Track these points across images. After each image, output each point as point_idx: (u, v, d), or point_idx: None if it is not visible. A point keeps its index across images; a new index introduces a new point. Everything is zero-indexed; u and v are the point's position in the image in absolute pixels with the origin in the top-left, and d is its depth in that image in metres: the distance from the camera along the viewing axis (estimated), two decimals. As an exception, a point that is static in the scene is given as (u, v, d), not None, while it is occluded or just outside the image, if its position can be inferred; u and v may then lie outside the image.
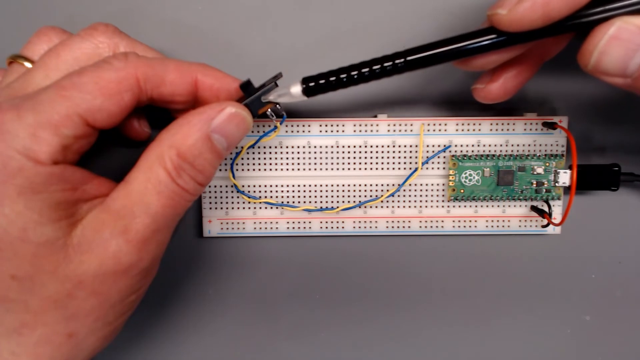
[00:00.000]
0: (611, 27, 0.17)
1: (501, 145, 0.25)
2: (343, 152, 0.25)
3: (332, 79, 0.19)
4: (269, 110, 0.21)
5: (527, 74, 0.21)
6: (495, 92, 0.21)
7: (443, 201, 0.25)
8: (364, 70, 0.19)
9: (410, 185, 0.25)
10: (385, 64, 0.19)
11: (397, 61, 0.19)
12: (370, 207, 0.25)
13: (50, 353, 0.18)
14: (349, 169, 0.25)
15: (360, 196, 0.25)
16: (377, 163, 0.25)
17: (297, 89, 0.20)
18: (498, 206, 0.25)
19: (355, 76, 0.19)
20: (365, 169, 0.25)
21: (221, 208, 0.25)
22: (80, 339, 0.18)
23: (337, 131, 0.25)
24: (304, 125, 0.24)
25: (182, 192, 0.18)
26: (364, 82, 0.19)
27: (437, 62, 0.19)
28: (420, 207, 0.25)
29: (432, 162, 0.25)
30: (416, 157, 0.25)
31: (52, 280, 0.17)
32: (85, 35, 0.20)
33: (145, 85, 0.19)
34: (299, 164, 0.25)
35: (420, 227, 0.26)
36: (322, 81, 0.20)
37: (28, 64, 0.20)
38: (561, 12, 0.17)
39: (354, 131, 0.25)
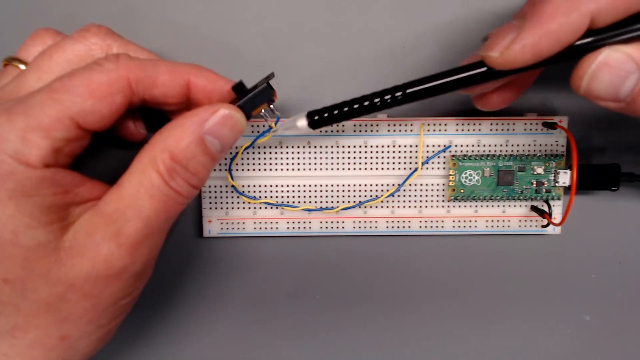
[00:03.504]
0: (600, 55, 0.17)
1: (501, 145, 0.25)
2: (343, 152, 0.25)
3: (335, 112, 0.21)
4: (263, 110, 0.21)
5: (527, 83, 0.21)
6: (495, 101, 0.21)
7: (443, 201, 0.25)
8: (365, 103, 0.20)
9: (410, 185, 0.25)
10: (386, 97, 0.20)
11: (396, 94, 0.20)
12: (370, 207, 0.25)
13: (43, 355, 0.18)
14: (349, 169, 0.25)
15: (360, 196, 0.25)
16: (377, 163, 0.25)
17: (302, 123, 0.21)
18: (498, 206, 0.25)
19: (357, 109, 0.20)
20: (365, 169, 0.25)
21: (221, 208, 0.25)
22: (73, 341, 0.18)
23: (337, 131, 0.25)
24: (303, 125, 0.24)
25: (175, 195, 0.18)
26: (366, 114, 0.20)
27: (434, 95, 0.20)
28: (420, 207, 0.25)
29: (432, 162, 0.25)
30: (416, 157, 0.25)
31: (44, 284, 0.17)
32: (77, 37, 0.20)
33: (137, 87, 0.19)
34: (298, 164, 0.25)
35: (420, 227, 0.26)
36: (326, 114, 0.21)
37: (22, 66, 0.20)
38: (551, 51, 0.17)
39: (354, 131, 0.25)
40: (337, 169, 0.25)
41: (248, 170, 0.25)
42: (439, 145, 0.25)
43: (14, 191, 0.16)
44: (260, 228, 0.25)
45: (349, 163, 0.25)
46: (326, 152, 0.25)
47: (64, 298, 0.17)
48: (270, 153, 0.25)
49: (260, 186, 0.25)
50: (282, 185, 0.25)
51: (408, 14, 0.24)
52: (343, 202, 0.25)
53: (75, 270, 0.17)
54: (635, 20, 0.17)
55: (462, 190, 0.25)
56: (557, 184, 0.25)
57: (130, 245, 0.18)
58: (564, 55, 0.17)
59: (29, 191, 0.17)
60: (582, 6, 0.16)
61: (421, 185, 0.25)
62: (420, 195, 0.25)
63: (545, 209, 0.25)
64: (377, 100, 0.20)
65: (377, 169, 0.25)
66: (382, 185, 0.25)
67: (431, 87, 0.19)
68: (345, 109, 0.20)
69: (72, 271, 0.17)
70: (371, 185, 0.25)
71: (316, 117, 0.21)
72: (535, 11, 0.17)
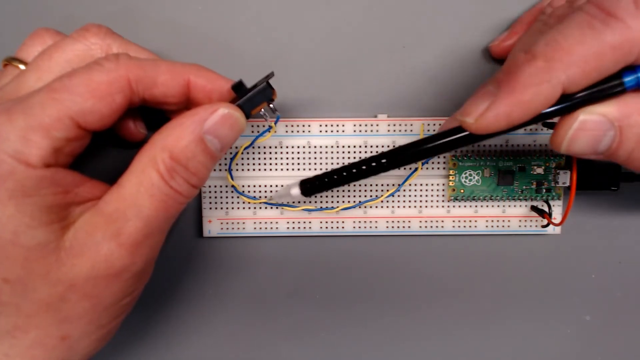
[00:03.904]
0: (576, 121, 0.18)
1: (501, 145, 0.25)
2: (343, 152, 0.25)
3: (326, 180, 0.22)
4: (262, 110, 0.21)
5: None
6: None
7: (443, 201, 0.25)
8: (353, 170, 0.21)
9: (410, 185, 0.25)
10: (372, 164, 0.21)
11: (382, 161, 0.21)
12: (370, 207, 0.25)
13: (43, 355, 0.18)
14: (349, 169, 0.25)
15: (360, 196, 0.25)
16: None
17: (296, 191, 0.23)
18: (498, 206, 0.25)
19: (345, 176, 0.22)
20: (365, 169, 0.25)
21: (221, 208, 0.25)
22: (73, 341, 0.18)
23: (337, 131, 0.25)
24: (304, 125, 0.24)
25: (175, 194, 0.18)
26: (354, 181, 0.22)
27: (417, 160, 0.21)
28: (420, 207, 0.25)
29: (432, 162, 0.25)
30: (416, 157, 0.25)
31: (44, 284, 0.17)
32: (77, 36, 0.20)
33: (137, 86, 0.19)
34: (299, 164, 0.25)
35: (420, 227, 0.26)
36: (317, 182, 0.22)
37: (22, 66, 0.20)
38: (523, 119, 0.17)
39: (354, 131, 0.25)
40: (337, 169, 0.25)
41: (248, 170, 0.25)
42: (439, 145, 0.25)
43: (14, 191, 0.16)
44: (260, 228, 0.25)
45: (349, 163, 0.25)
46: (326, 152, 0.25)
47: (64, 298, 0.18)
48: (270, 153, 0.25)
49: (260, 186, 0.25)
50: (282, 185, 0.25)
51: (408, 14, 0.24)
52: (343, 202, 0.25)
53: (76, 270, 0.17)
54: (606, 80, 0.17)
55: (462, 190, 0.25)
56: (557, 184, 0.25)
57: (130, 245, 0.18)
58: (537, 120, 0.18)
59: (29, 191, 0.17)
60: (553, 77, 0.17)
61: (421, 185, 0.25)
62: (420, 195, 0.25)
63: (545, 209, 0.25)
64: (364, 167, 0.21)
65: (377, 169, 0.25)
66: (382, 185, 0.25)
67: (414, 154, 0.20)
68: (335, 176, 0.22)
69: (72, 271, 0.17)
70: (371, 185, 0.25)
71: (308, 185, 0.22)
72: (508, 80, 0.17)
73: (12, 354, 0.18)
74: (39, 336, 0.18)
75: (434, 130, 0.25)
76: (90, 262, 0.17)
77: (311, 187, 0.22)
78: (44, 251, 0.17)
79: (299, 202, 0.25)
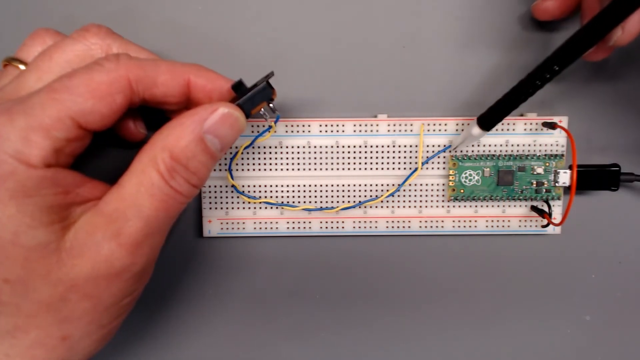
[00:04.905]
0: None
1: (501, 145, 0.25)
2: (343, 152, 0.25)
3: (502, 107, 0.22)
4: (262, 110, 0.21)
5: None
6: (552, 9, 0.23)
7: (443, 201, 0.25)
8: (528, 89, 0.21)
9: (410, 185, 0.25)
10: (546, 75, 0.20)
11: (554, 68, 0.20)
12: (370, 207, 0.25)
13: (44, 355, 0.18)
14: (349, 169, 0.25)
15: (360, 196, 0.25)
16: (377, 163, 0.25)
17: (477, 130, 0.23)
18: (498, 206, 0.25)
19: (520, 96, 0.21)
20: (365, 169, 0.25)
21: (221, 208, 0.25)
22: (74, 341, 0.18)
23: (337, 131, 0.25)
24: (304, 125, 0.24)
25: (176, 194, 0.18)
26: (529, 97, 0.21)
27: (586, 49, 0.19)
28: (420, 207, 0.25)
29: (432, 162, 0.25)
30: (416, 157, 0.25)
31: (44, 284, 0.17)
32: (77, 37, 0.20)
33: (137, 86, 0.19)
34: (298, 164, 0.25)
35: (420, 227, 0.25)
36: (494, 113, 0.22)
37: (22, 67, 0.20)
38: None
39: (354, 131, 0.25)
40: (337, 169, 0.25)
41: (248, 170, 0.25)
42: (439, 145, 0.25)
43: (15, 191, 0.16)
44: (260, 228, 0.25)
45: (349, 163, 0.25)
46: (326, 152, 0.25)
47: (64, 298, 0.17)
48: (270, 153, 0.25)
49: (260, 186, 0.25)
50: (282, 185, 0.25)
51: (408, 14, 0.24)
52: (343, 202, 0.25)
53: (76, 270, 0.17)
54: None
55: (462, 190, 0.25)
56: (557, 184, 0.25)
57: (130, 245, 0.18)
58: None
59: (30, 191, 0.17)
60: None
61: (421, 185, 0.25)
62: (420, 195, 0.25)
63: (545, 209, 0.25)
64: (537, 81, 0.20)
65: (377, 169, 0.25)
66: (382, 185, 0.25)
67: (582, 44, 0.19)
68: (510, 99, 0.21)
69: (72, 271, 0.17)
70: (371, 185, 0.25)
71: (486, 120, 0.22)
72: None
73: (12, 354, 0.18)
74: (40, 336, 0.18)
75: (434, 130, 0.25)
76: (91, 262, 0.17)
77: (490, 119, 0.22)
78: (45, 251, 0.17)
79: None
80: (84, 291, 0.18)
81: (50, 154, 0.17)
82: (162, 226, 0.19)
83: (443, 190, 0.25)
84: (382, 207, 0.25)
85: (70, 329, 0.18)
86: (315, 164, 0.25)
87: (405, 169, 0.25)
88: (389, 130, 0.25)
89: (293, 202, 0.25)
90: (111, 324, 0.19)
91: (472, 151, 0.25)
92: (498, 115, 0.22)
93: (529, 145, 0.25)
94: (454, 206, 0.25)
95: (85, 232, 0.18)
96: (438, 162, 0.25)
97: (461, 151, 0.25)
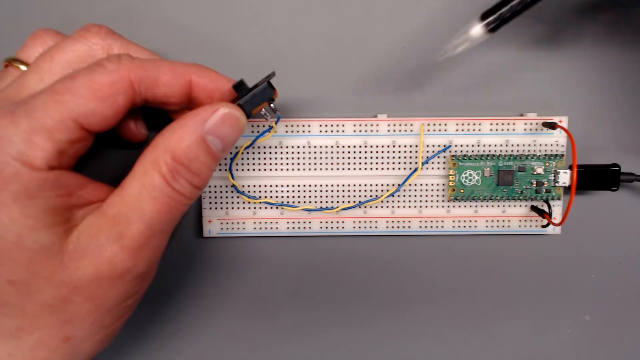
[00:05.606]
0: None
1: (501, 145, 0.25)
2: (343, 152, 0.25)
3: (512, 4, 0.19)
4: (263, 109, 0.21)
5: None
6: None
7: (443, 201, 0.25)
8: None
9: (410, 185, 0.25)
10: None
11: None
12: (370, 207, 0.25)
13: (46, 356, 0.18)
14: (349, 169, 0.25)
15: (360, 196, 0.25)
16: (377, 163, 0.25)
17: (477, 31, 0.20)
18: (498, 206, 0.25)
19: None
20: (365, 169, 0.25)
21: (221, 208, 0.25)
22: (76, 342, 0.18)
23: (337, 131, 0.25)
24: (304, 125, 0.24)
25: (178, 196, 0.18)
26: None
27: None
28: (420, 207, 0.25)
29: (432, 162, 0.25)
30: (416, 157, 0.25)
31: (48, 286, 0.17)
32: (78, 37, 0.20)
33: (139, 87, 0.19)
34: (299, 164, 0.25)
35: (420, 227, 0.26)
36: (504, 13, 0.19)
37: (23, 67, 0.20)
38: None
39: (354, 131, 0.25)
40: (337, 169, 0.25)
41: (248, 170, 0.25)
42: (439, 145, 0.25)
43: (18, 193, 0.16)
44: (260, 228, 0.25)
45: (349, 163, 0.25)
46: (326, 152, 0.25)
47: (68, 300, 0.17)
48: (270, 153, 0.25)
49: (260, 186, 0.25)
50: (282, 185, 0.25)
51: (408, 14, 0.24)
52: (343, 202, 0.25)
53: (79, 272, 0.17)
54: None
55: (462, 190, 0.25)
56: (557, 184, 0.25)
57: (133, 248, 0.18)
58: None
59: (33, 193, 0.17)
60: None
61: (421, 185, 0.25)
62: (420, 195, 0.25)
63: (545, 209, 0.25)
64: None
65: (377, 169, 0.25)
66: (382, 185, 0.25)
67: None
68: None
69: (76, 273, 0.17)
70: (371, 185, 0.25)
71: (493, 19, 0.19)
72: None
73: (15, 354, 0.18)
74: (43, 337, 0.18)
75: (434, 130, 0.25)
76: (94, 264, 0.17)
77: (499, 20, 0.19)
78: (48, 253, 0.17)
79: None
80: (87, 293, 0.18)
81: (53, 156, 0.17)
82: (164, 228, 0.19)
83: (443, 190, 0.25)
84: (382, 207, 0.25)
85: (73, 330, 0.18)
86: (315, 164, 0.25)
87: (405, 169, 0.25)
88: (389, 130, 0.25)
89: (293, 202, 0.25)
90: (113, 325, 0.19)
91: (472, 151, 0.25)
92: (508, 10, 0.19)
93: (529, 145, 0.25)
94: (454, 206, 0.25)
95: (88, 234, 0.18)
96: (438, 162, 0.25)
97: (461, 151, 0.25)
